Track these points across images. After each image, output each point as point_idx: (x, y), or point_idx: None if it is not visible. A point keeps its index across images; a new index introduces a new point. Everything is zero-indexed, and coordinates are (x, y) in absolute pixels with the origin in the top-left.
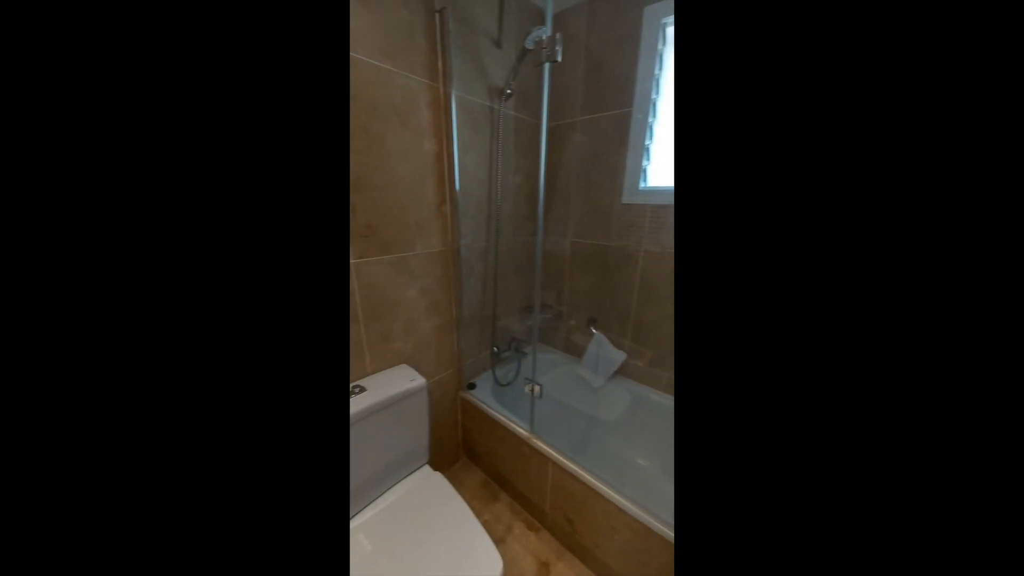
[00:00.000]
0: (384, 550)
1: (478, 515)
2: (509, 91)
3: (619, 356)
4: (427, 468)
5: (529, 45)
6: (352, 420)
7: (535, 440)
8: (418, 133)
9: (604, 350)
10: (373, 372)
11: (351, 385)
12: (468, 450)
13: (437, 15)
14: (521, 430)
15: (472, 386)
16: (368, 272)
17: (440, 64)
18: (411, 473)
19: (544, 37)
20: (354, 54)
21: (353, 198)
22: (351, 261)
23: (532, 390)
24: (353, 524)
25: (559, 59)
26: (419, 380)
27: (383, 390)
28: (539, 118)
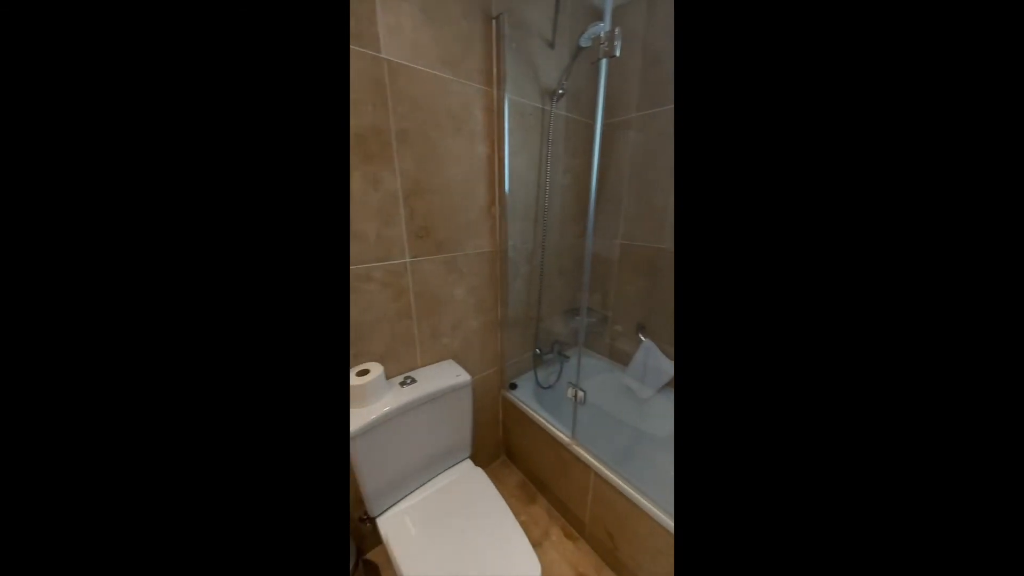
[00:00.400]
0: (427, 535)
1: (515, 515)
2: (561, 91)
3: (671, 367)
4: (469, 462)
5: (584, 43)
6: (404, 409)
7: (576, 447)
8: (472, 138)
9: (653, 359)
10: (423, 365)
11: (403, 376)
12: (508, 449)
13: (494, 21)
14: (562, 435)
15: (514, 386)
16: (422, 270)
17: (495, 69)
18: (454, 465)
19: (602, 33)
20: (416, 66)
21: (411, 202)
22: (407, 260)
23: (575, 395)
24: (400, 507)
25: (617, 54)
26: (464, 376)
27: (432, 383)
28: (592, 117)
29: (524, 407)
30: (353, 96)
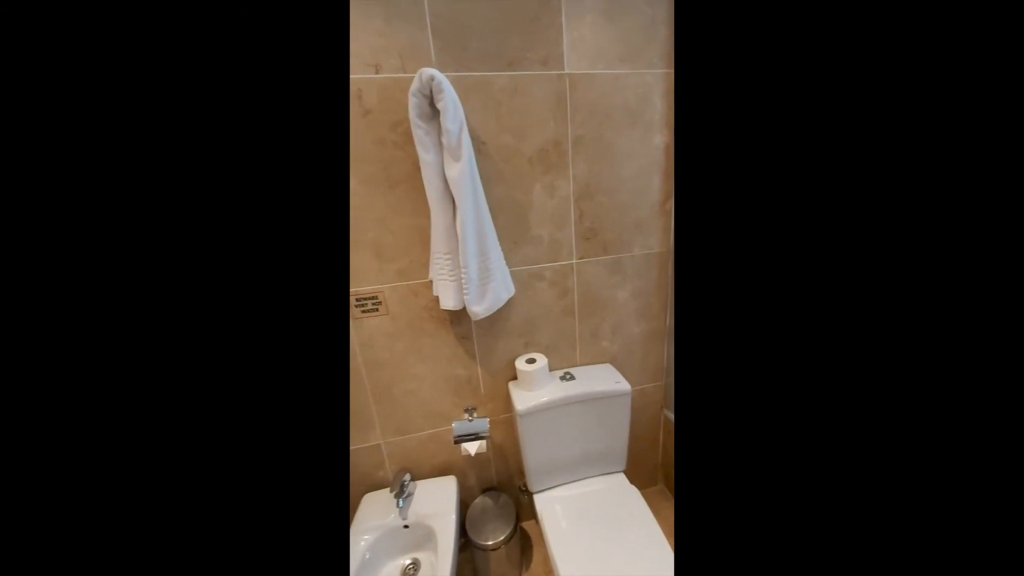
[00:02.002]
0: (575, 530)
1: None
2: None
3: None
4: (623, 477)
5: None
6: (563, 401)
7: None
8: (648, 129)
9: None
10: (581, 364)
11: (563, 371)
12: (667, 479)
13: None
14: None
15: None
16: (586, 271)
17: None
18: (606, 474)
19: None
20: (595, 71)
21: (581, 204)
22: (574, 261)
23: None
24: (553, 493)
25: None
26: (624, 384)
27: (590, 383)
28: None
29: None
30: (538, 115)
